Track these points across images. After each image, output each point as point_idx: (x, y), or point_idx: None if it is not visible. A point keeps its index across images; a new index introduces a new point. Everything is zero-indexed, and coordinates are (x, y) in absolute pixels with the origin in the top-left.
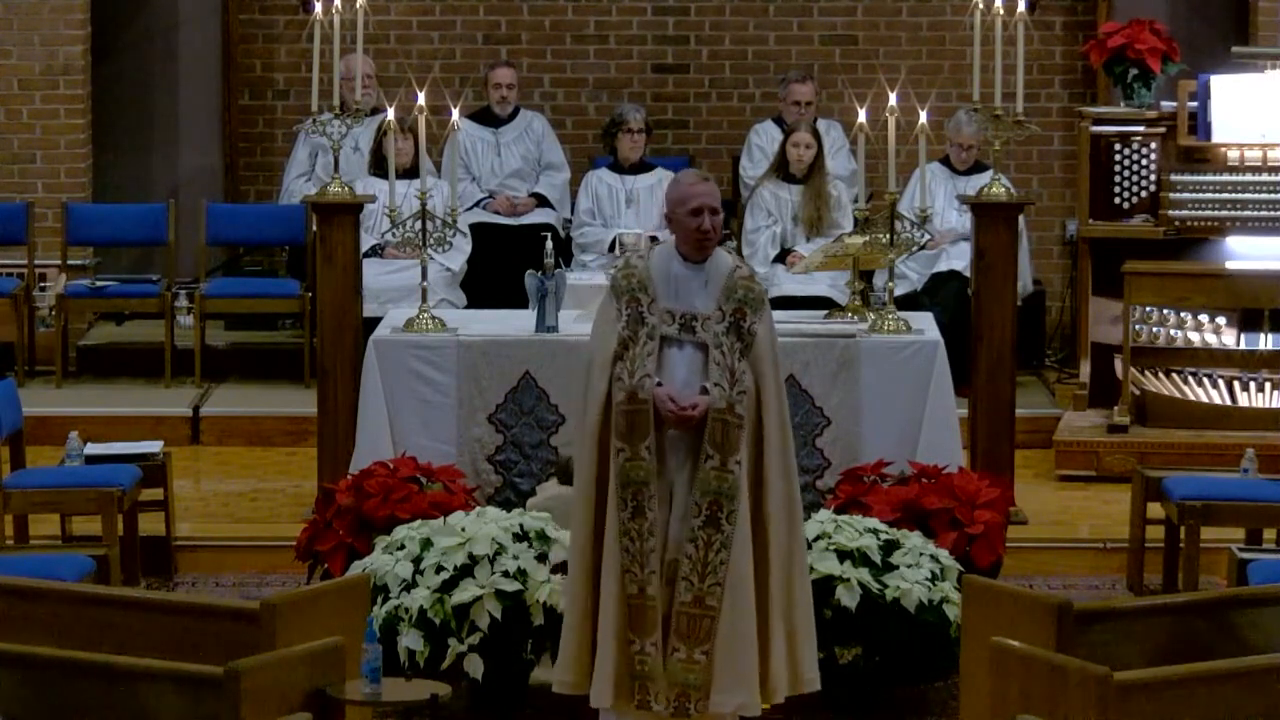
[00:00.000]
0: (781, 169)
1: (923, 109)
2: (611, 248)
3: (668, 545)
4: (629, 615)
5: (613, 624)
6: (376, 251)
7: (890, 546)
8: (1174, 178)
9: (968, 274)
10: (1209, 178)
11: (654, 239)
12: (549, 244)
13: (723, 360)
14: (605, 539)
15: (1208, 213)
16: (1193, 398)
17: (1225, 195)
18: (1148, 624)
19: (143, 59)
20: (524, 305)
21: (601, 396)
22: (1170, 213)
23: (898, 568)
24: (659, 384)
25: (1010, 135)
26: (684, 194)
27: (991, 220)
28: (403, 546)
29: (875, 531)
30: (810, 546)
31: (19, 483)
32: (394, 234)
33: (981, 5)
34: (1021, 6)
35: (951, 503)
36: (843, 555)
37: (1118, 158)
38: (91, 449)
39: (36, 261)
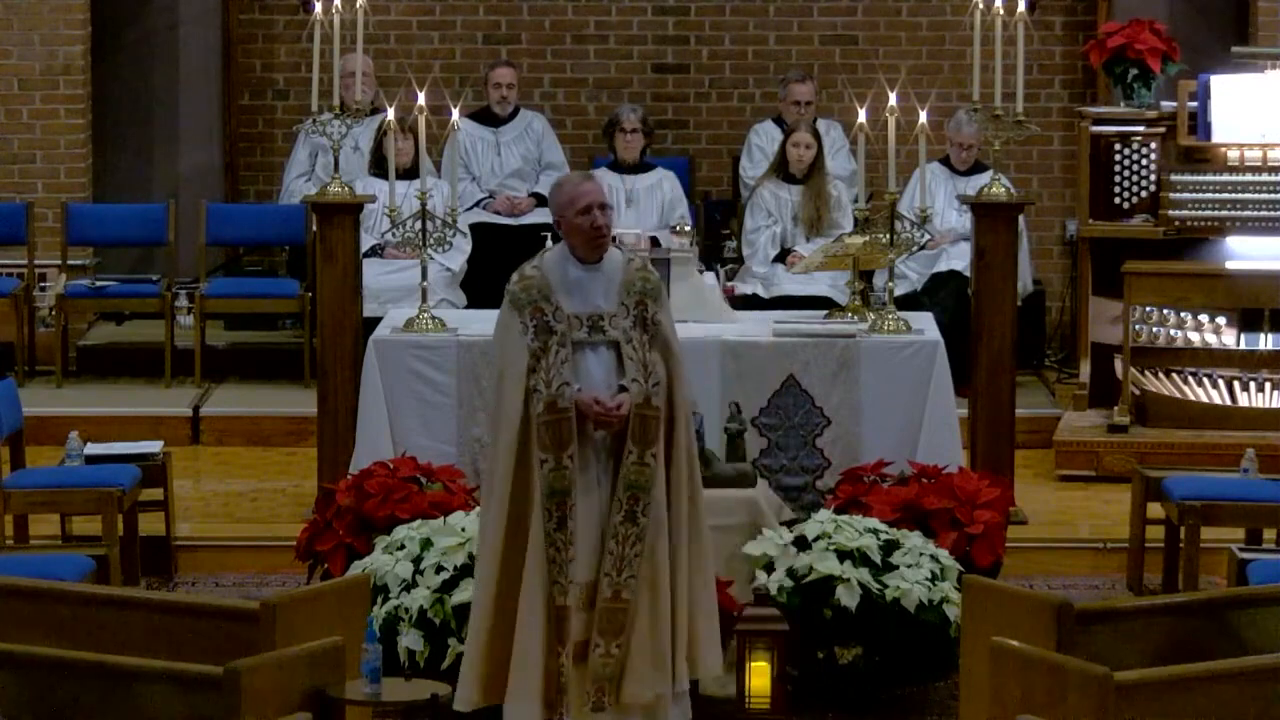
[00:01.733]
0: (781, 169)
1: (923, 109)
2: None
3: (596, 549)
4: (556, 627)
5: (540, 637)
6: (376, 251)
7: (890, 546)
8: (1174, 178)
9: (968, 274)
10: (1209, 178)
11: (654, 240)
12: (549, 244)
13: (635, 355)
14: (530, 552)
15: (1208, 213)
16: (1193, 398)
17: (1225, 195)
18: (1148, 624)
19: (143, 59)
20: None
21: (518, 411)
22: (1170, 213)
23: (898, 568)
24: (579, 390)
25: (1010, 135)
26: (571, 195)
27: (991, 220)
28: (403, 546)
29: (875, 531)
30: (810, 546)
31: (19, 483)
32: (394, 234)
33: (981, 5)
34: (1021, 6)
35: (951, 503)
36: (843, 555)
37: (1118, 158)
38: (91, 449)
39: (36, 261)
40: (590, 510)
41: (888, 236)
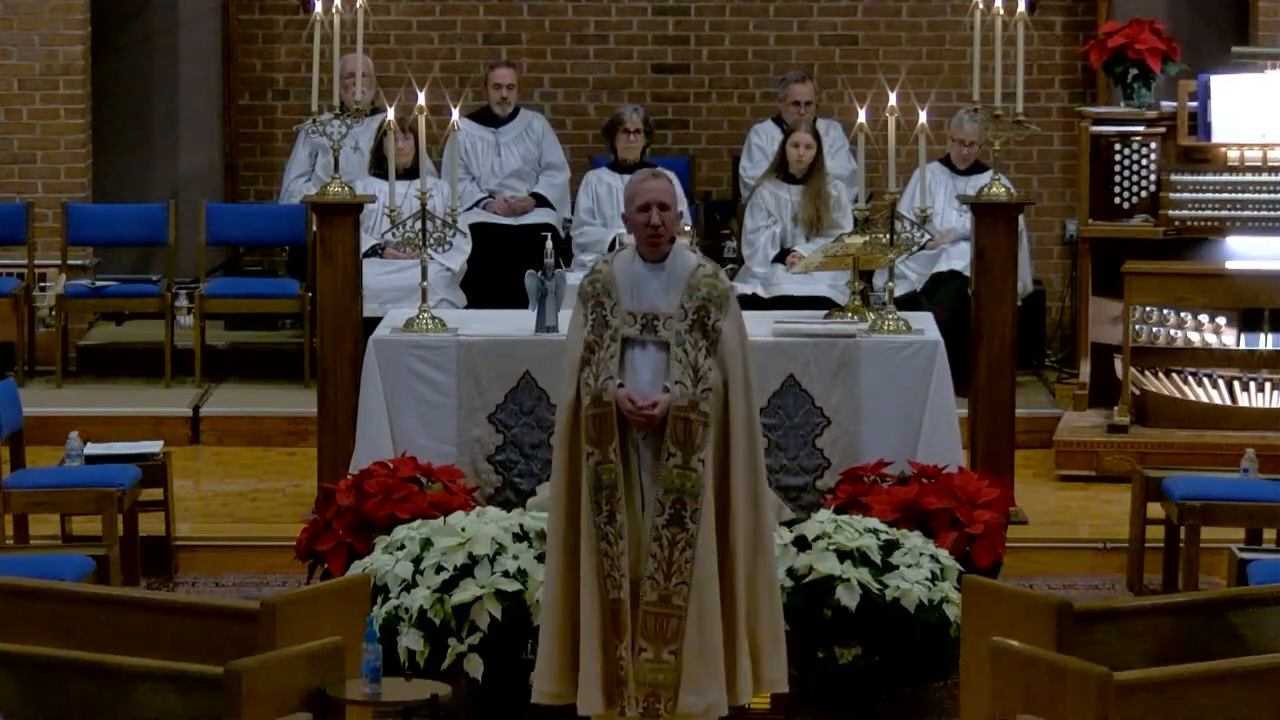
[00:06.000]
0: (781, 169)
1: (923, 109)
2: (611, 247)
3: (641, 547)
4: (611, 620)
5: (597, 630)
6: (376, 251)
7: (890, 546)
8: (1174, 178)
9: (968, 274)
10: (1209, 178)
11: None
12: (549, 244)
13: (685, 358)
14: (582, 544)
15: (1208, 213)
16: (1193, 398)
17: (1225, 195)
18: (1148, 624)
19: (143, 59)
20: (524, 305)
21: (570, 402)
22: (1170, 213)
23: (898, 568)
24: (620, 385)
25: (1010, 135)
26: (633, 192)
27: (991, 220)
28: (403, 546)
29: (875, 531)
30: (810, 546)
31: (19, 483)
32: (394, 234)
33: (981, 5)
34: (1021, 6)
35: (951, 503)
36: (843, 555)
37: (1118, 158)
38: (91, 449)
39: (36, 261)
40: (630, 508)
41: (888, 236)
